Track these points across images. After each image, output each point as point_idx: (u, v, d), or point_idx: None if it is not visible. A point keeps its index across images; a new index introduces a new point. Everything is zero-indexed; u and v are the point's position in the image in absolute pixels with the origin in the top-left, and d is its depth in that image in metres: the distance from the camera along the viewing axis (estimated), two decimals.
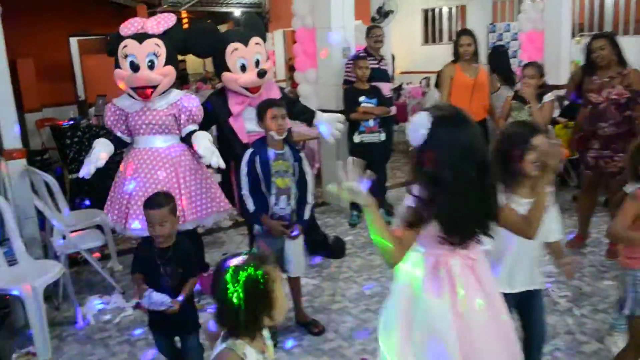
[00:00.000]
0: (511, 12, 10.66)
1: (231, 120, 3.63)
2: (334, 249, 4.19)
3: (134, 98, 3.38)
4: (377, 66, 4.94)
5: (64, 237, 3.48)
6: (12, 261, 3.25)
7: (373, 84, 4.76)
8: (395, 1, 10.07)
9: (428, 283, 1.76)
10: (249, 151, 2.85)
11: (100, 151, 3.25)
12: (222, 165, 3.21)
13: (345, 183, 1.62)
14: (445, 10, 11.73)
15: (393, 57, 9.10)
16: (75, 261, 4.06)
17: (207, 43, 3.66)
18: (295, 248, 2.97)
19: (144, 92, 3.31)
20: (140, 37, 3.34)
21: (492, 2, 10.74)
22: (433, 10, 11.90)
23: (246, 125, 3.60)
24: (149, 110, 3.38)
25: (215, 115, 3.67)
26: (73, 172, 5.34)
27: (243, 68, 3.60)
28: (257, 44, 3.67)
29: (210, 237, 4.70)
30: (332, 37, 4.92)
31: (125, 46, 3.31)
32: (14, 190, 3.86)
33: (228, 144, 3.66)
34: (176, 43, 3.48)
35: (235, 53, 3.58)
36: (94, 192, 5.18)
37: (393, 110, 5.00)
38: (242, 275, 1.47)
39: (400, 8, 10.26)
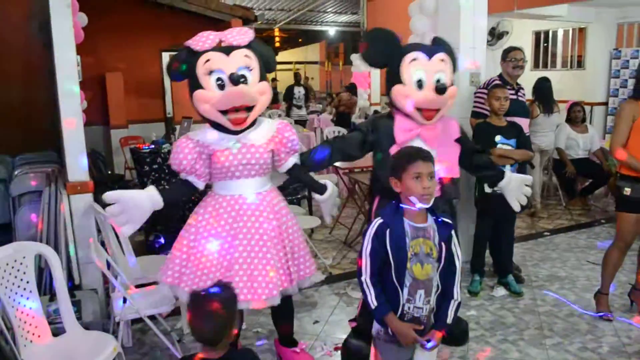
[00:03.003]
0: None
1: (393, 149, 2.85)
2: (453, 333, 3.21)
3: (219, 130, 2.63)
4: (514, 97, 4.00)
5: (124, 300, 2.78)
6: (59, 325, 2.60)
7: (509, 119, 3.82)
8: (510, 22, 9.08)
9: None
10: (377, 222, 1.98)
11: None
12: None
13: None
14: (560, 33, 10.50)
15: None
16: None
17: (383, 48, 2.94)
18: None
19: (239, 118, 2.56)
20: (226, 49, 2.60)
21: (616, 25, 9.43)
22: (547, 32, 10.71)
23: None
24: (245, 147, 2.64)
25: (377, 140, 2.95)
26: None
27: (420, 85, 2.85)
28: (441, 60, 2.90)
29: (298, 296, 3.87)
30: (460, 59, 4.02)
31: (207, 60, 2.55)
32: (75, 230, 3.28)
33: (379, 176, 2.95)
34: (262, 57, 2.72)
35: (414, 64, 2.84)
36: (170, 228, 4.56)
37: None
38: None
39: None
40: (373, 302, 1.98)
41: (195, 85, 2.59)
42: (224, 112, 2.55)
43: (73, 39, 3.24)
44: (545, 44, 10.80)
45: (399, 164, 1.99)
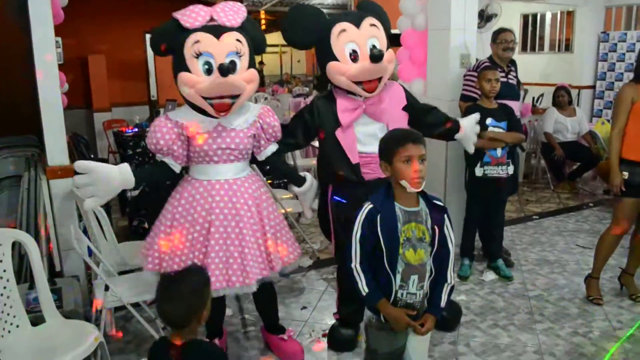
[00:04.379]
0: (628, 18, 9.29)
1: (338, 132, 2.73)
2: (445, 318, 3.16)
3: (200, 113, 2.52)
4: (504, 79, 3.93)
5: (107, 287, 2.70)
6: (39, 314, 2.51)
7: (500, 101, 3.76)
8: (499, 4, 8.99)
9: None
10: (367, 207, 1.91)
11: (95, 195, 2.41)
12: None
13: None
14: (548, 16, 10.46)
15: None
16: None
17: (307, 26, 2.74)
18: (421, 347, 2.02)
19: (223, 104, 2.45)
20: (216, 30, 2.43)
21: (605, 8, 9.39)
22: (535, 15, 10.65)
23: (358, 143, 2.72)
24: (225, 131, 2.53)
25: (318, 124, 2.80)
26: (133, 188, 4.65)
27: (354, 57, 2.67)
28: (372, 25, 2.70)
29: (285, 281, 3.84)
30: (450, 39, 3.95)
31: (196, 41, 2.39)
32: (56, 216, 3.18)
33: (329, 163, 2.80)
34: (253, 40, 2.59)
35: (343, 36, 2.66)
36: (154, 212, 4.46)
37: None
38: None
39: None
40: (364, 289, 1.91)
41: (180, 65, 2.46)
42: (209, 98, 2.45)
43: (51, 18, 3.11)
44: (533, 27, 10.76)
45: (388, 147, 1.91)
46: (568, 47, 10.05)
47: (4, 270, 2.36)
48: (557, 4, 9.40)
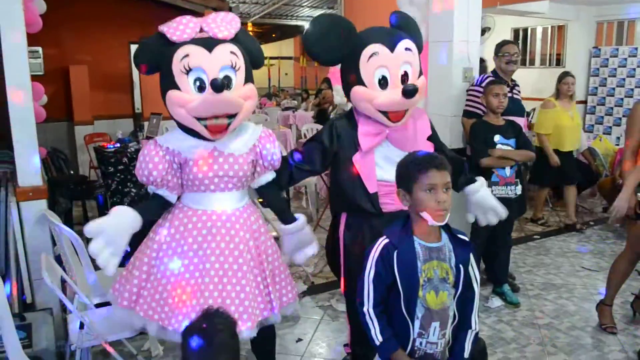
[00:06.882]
0: (619, 34, 9.24)
1: (357, 158, 2.44)
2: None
3: (193, 136, 2.24)
4: (509, 94, 3.73)
5: (81, 326, 2.42)
6: (3, 354, 2.22)
7: (506, 118, 3.56)
8: (492, 18, 8.89)
9: None
10: (381, 242, 1.66)
11: (112, 255, 2.15)
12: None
13: None
14: (539, 30, 10.38)
15: None
16: None
17: (335, 41, 2.44)
18: None
19: (218, 125, 2.17)
20: (207, 43, 2.17)
21: (596, 23, 9.34)
22: (526, 30, 10.58)
23: (378, 169, 2.43)
24: (222, 156, 2.25)
25: (335, 148, 2.50)
26: (115, 204, 4.37)
27: (383, 82, 2.41)
28: (407, 49, 2.42)
29: None
30: (453, 52, 3.75)
31: (186, 55, 2.13)
32: (27, 243, 2.89)
33: (342, 190, 2.50)
34: (249, 53, 2.32)
35: (374, 59, 2.38)
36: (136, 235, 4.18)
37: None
38: None
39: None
40: (377, 338, 1.65)
41: (168, 82, 2.18)
42: (201, 117, 2.17)
43: (23, 21, 2.84)
44: (524, 42, 10.68)
45: (407, 173, 1.67)
46: (559, 62, 9.97)
47: None
48: (548, 19, 9.30)
